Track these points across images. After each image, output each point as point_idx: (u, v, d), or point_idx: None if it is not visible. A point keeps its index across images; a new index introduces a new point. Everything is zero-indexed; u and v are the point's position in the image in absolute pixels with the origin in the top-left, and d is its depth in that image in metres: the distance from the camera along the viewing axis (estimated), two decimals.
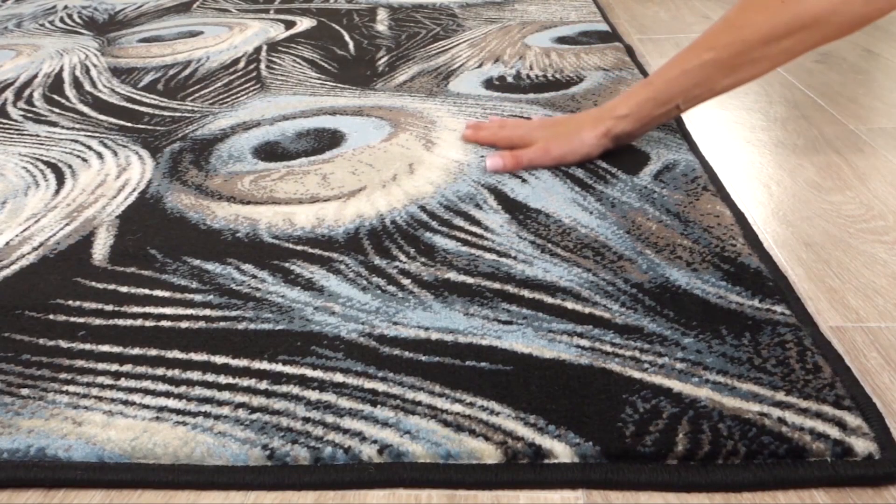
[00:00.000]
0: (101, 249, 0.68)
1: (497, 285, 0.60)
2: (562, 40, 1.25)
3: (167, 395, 0.50)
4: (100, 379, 0.52)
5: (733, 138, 0.88)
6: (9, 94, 1.11)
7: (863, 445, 0.44)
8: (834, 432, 0.44)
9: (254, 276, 0.63)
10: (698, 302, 0.57)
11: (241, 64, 1.21)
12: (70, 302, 0.61)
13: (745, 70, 0.71)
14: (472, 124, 0.88)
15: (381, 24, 1.41)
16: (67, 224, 0.73)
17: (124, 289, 0.62)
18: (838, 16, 0.65)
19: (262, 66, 1.19)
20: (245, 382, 0.51)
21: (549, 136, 0.80)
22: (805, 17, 0.66)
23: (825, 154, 0.83)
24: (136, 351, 0.54)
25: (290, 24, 1.43)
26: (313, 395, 0.49)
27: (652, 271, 0.61)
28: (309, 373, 0.51)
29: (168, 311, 0.59)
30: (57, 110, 1.04)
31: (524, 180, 0.77)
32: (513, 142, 0.83)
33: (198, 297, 0.60)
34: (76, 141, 0.93)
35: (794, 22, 0.66)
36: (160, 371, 0.52)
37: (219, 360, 0.53)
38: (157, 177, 0.82)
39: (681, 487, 0.43)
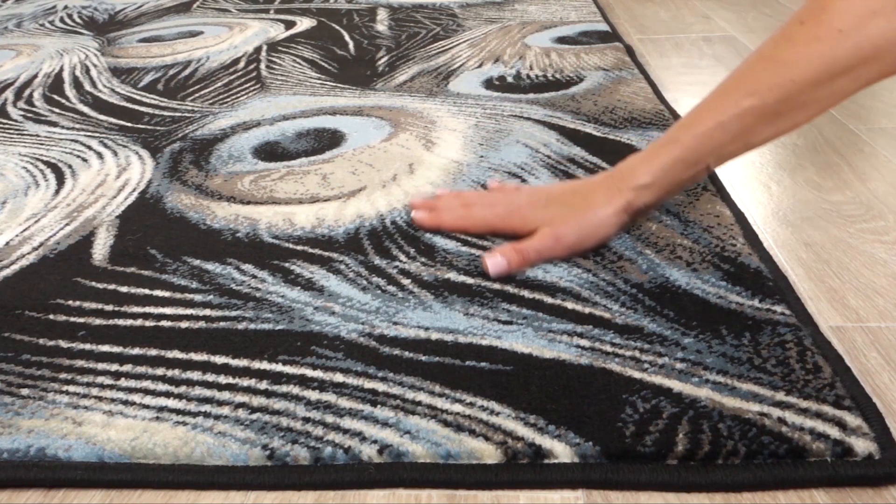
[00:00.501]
0: (101, 249, 0.68)
1: (497, 285, 0.60)
2: (562, 40, 1.25)
3: (167, 395, 0.50)
4: (100, 379, 0.52)
5: None
6: (9, 94, 1.11)
7: (863, 445, 0.44)
8: (834, 432, 0.44)
9: (254, 276, 0.63)
10: (698, 302, 0.57)
11: (241, 64, 1.21)
12: (70, 302, 0.61)
13: (789, 118, 0.58)
14: (421, 204, 0.70)
15: (381, 24, 1.41)
16: (67, 224, 0.73)
17: (124, 289, 0.62)
18: None
19: (262, 66, 1.19)
20: (245, 382, 0.51)
21: (554, 215, 0.63)
22: (866, 50, 0.53)
23: (825, 154, 0.83)
24: (136, 351, 0.55)
25: (290, 24, 1.43)
26: (313, 395, 0.49)
27: (652, 271, 0.61)
28: (309, 373, 0.51)
29: (168, 311, 0.59)
30: (57, 110, 1.04)
31: (524, 180, 0.77)
32: (492, 224, 0.66)
33: (198, 297, 0.60)
34: (76, 141, 0.93)
35: (853, 56, 0.54)
36: (160, 371, 0.52)
37: (219, 360, 0.53)
38: (157, 177, 0.82)
39: (681, 487, 0.43)
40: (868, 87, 0.56)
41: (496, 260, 0.61)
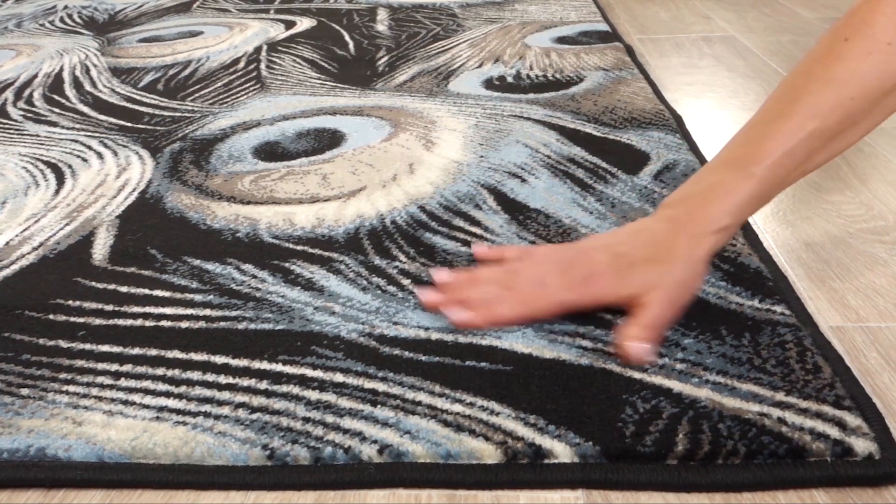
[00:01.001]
0: (101, 249, 0.68)
1: None
2: (562, 40, 1.25)
3: (167, 395, 0.50)
4: (100, 379, 0.52)
5: None
6: (9, 94, 1.11)
7: (863, 445, 0.44)
8: (834, 432, 0.44)
9: (254, 276, 0.63)
10: (698, 302, 0.57)
11: (241, 64, 1.21)
12: (70, 302, 0.61)
13: (844, 139, 0.56)
14: (449, 301, 0.58)
15: (381, 24, 1.41)
16: (67, 224, 0.73)
17: (124, 289, 0.62)
18: None
19: (262, 66, 1.19)
20: (245, 382, 0.51)
21: (654, 278, 0.55)
22: None
23: None
24: (137, 351, 0.55)
25: (290, 24, 1.43)
26: (313, 395, 0.49)
27: None
28: (309, 373, 0.51)
29: (168, 311, 0.59)
30: (57, 110, 1.04)
31: (524, 180, 0.77)
32: (566, 302, 0.56)
33: (198, 297, 0.60)
34: (76, 141, 0.93)
35: None
36: (160, 371, 0.52)
37: (219, 360, 0.53)
38: (157, 177, 0.82)
39: (681, 487, 0.43)
40: None
41: (640, 346, 0.51)
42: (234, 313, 0.58)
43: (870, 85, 0.54)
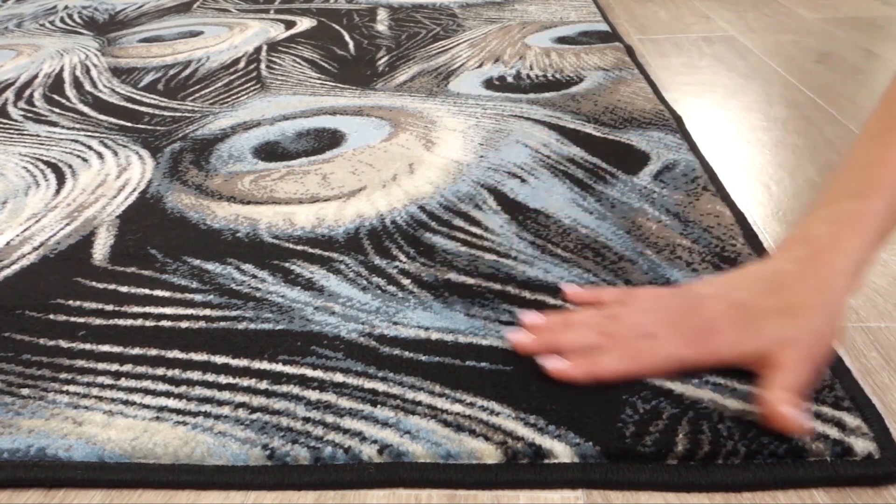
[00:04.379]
0: (101, 249, 0.68)
1: (498, 286, 0.60)
2: (562, 40, 1.25)
3: (167, 394, 0.50)
4: (100, 379, 0.52)
5: (733, 138, 0.88)
6: (9, 94, 1.11)
7: (862, 445, 0.44)
8: (833, 432, 0.44)
9: (254, 276, 0.63)
10: None
11: (242, 64, 1.21)
12: (70, 302, 0.61)
13: None
14: (544, 346, 0.51)
15: (381, 24, 1.41)
16: (68, 224, 0.73)
17: (124, 289, 0.62)
18: None
19: (263, 66, 1.19)
20: (245, 382, 0.51)
21: (787, 334, 0.47)
22: None
23: (825, 154, 0.83)
24: (137, 351, 0.55)
25: (290, 24, 1.43)
26: (313, 395, 0.49)
27: (652, 272, 0.61)
28: (309, 373, 0.51)
29: (168, 311, 0.59)
30: (57, 110, 1.04)
31: (523, 180, 0.77)
32: (681, 358, 0.49)
33: (198, 297, 0.60)
34: (76, 141, 0.93)
35: None
36: (160, 371, 0.52)
37: (219, 359, 0.53)
38: (157, 177, 0.82)
39: (681, 487, 0.43)
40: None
41: (796, 413, 0.44)
42: (234, 313, 0.58)
43: None
